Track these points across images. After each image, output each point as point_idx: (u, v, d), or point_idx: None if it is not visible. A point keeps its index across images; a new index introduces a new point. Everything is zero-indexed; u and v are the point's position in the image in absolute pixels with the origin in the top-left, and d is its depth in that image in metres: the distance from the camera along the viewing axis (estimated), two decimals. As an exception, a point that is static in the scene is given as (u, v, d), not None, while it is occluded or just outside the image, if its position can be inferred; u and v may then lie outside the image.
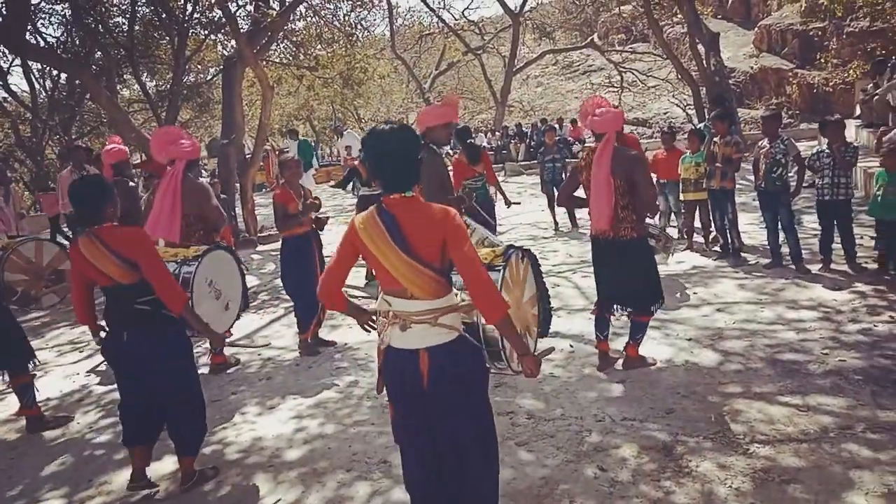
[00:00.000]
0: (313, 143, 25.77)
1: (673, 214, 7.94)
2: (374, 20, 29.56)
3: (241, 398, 4.56)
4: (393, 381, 2.41)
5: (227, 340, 4.78)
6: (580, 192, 4.38)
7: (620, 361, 4.40)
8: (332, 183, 8.42)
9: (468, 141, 7.33)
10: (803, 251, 6.17)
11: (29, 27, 13.14)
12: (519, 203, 8.33)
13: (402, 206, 2.26)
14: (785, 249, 6.24)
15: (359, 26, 19.61)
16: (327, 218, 5.60)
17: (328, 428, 3.94)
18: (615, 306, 4.29)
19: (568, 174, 4.47)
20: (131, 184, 5.67)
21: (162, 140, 4.67)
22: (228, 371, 5.08)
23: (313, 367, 5.01)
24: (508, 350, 2.65)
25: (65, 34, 16.54)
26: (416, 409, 2.36)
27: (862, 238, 6.24)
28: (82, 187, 3.11)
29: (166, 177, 4.59)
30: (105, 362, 5.50)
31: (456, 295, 2.38)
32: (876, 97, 10.33)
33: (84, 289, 3.24)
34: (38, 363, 4.50)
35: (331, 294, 2.46)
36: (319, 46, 17.91)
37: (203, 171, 10.32)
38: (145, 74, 19.06)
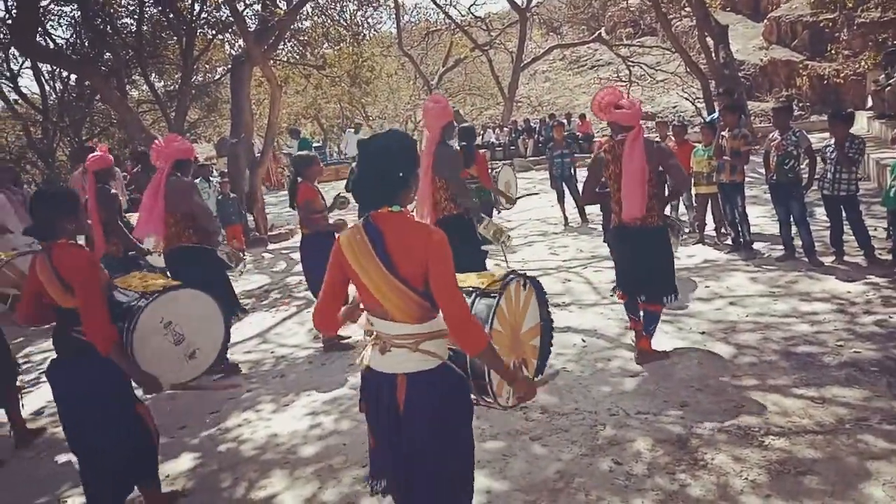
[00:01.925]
0: (320, 142, 25.87)
1: (684, 208, 7.91)
2: (381, 18, 29.55)
3: (256, 395, 4.59)
4: (370, 403, 2.24)
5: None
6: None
7: (634, 356, 4.41)
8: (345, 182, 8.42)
9: (462, 143, 7.13)
10: (816, 243, 6.13)
11: (38, 29, 13.26)
12: (520, 198, 8.17)
13: (389, 221, 2.09)
14: (797, 242, 6.20)
15: (365, 24, 19.60)
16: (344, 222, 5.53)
17: (343, 424, 3.97)
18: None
19: (587, 169, 4.52)
20: (112, 192, 5.56)
21: (157, 148, 4.94)
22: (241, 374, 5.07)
23: (326, 364, 5.03)
24: (496, 384, 2.41)
25: (74, 35, 16.64)
26: (392, 435, 2.17)
27: (876, 230, 6.19)
28: (39, 200, 2.89)
29: (154, 178, 4.85)
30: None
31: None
32: (889, 88, 10.24)
33: (31, 298, 2.97)
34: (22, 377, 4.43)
35: (326, 322, 2.31)
36: (327, 45, 17.93)
37: (213, 170, 10.38)
38: (154, 75, 19.16)
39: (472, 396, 2.37)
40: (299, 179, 5.20)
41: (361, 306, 2.27)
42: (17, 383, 4.44)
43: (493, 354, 2.15)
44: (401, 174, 2.10)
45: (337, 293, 2.22)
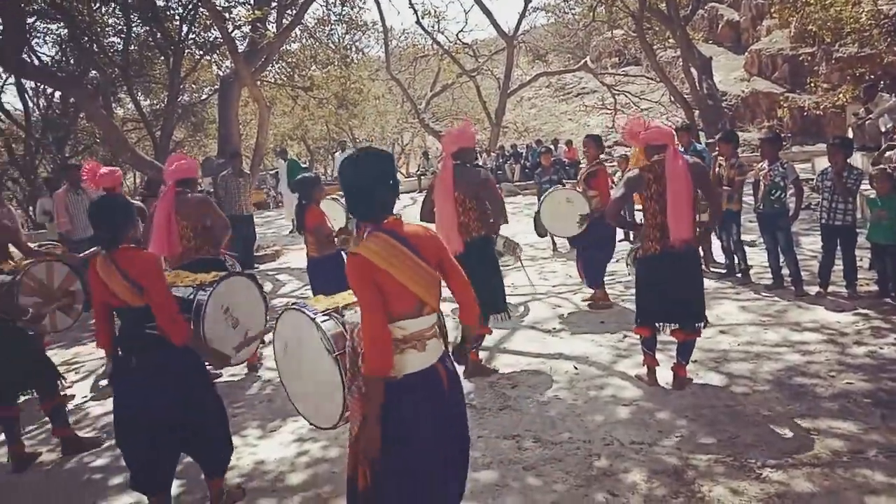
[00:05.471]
0: (306, 163, 25.84)
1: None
2: (370, 42, 29.74)
3: (241, 420, 4.47)
4: (415, 405, 2.27)
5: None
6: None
7: (672, 381, 4.31)
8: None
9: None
10: (803, 273, 6.16)
11: (24, 47, 13.14)
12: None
13: (399, 226, 2.32)
14: (785, 271, 6.24)
15: (354, 48, 19.73)
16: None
17: (332, 451, 3.87)
18: (660, 323, 4.25)
19: (622, 186, 4.25)
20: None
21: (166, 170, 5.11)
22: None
23: (314, 389, 4.92)
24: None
25: (60, 53, 16.54)
26: (444, 424, 2.36)
27: (861, 260, 6.24)
28: (102, 208, 2.98)
29: (161, 197, 4.94)
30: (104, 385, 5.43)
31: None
32: (868, 121, 10.44)
33: (102, 310, 3.07)
34: (65, 384, 4.41)
35: (389, 355, 2.21)
36: (315, 67, 17.99)
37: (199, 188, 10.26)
38: (140, 93, 19.07)
39: None
40: (304, 203, 5.13)
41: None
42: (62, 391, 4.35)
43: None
44: (391, 181, 2.34)
45: (385, 311, 2.21)
